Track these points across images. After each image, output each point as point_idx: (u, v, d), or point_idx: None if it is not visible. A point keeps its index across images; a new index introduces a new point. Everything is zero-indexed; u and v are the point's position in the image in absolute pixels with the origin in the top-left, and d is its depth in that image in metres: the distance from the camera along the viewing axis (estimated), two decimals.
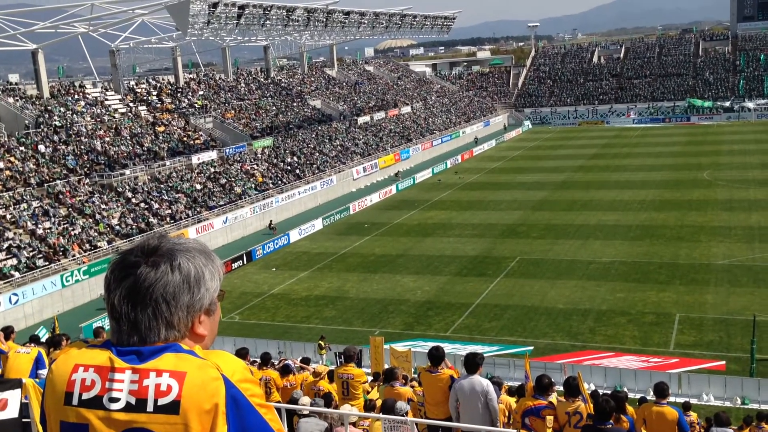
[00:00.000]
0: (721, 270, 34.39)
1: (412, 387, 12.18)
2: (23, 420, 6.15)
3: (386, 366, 19.40)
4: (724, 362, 24.56)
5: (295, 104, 75.57)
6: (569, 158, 72.28)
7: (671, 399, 17.96)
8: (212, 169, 53.72)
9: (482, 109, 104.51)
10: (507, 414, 10.83)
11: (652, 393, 15.73)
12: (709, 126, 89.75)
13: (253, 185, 53.93)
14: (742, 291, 31.28)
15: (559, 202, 52.52)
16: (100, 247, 39.04)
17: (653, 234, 41.72)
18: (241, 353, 14.43)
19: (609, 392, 22.73)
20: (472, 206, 53.47)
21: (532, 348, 26.84)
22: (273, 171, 57.89)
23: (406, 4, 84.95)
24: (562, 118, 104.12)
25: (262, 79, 79.02)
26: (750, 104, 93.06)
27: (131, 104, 59.20)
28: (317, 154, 64.62)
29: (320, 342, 25.77)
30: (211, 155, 55.11)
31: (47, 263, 36.04)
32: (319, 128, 70.96)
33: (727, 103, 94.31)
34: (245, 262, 42.00)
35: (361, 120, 78.02)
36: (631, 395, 20.57)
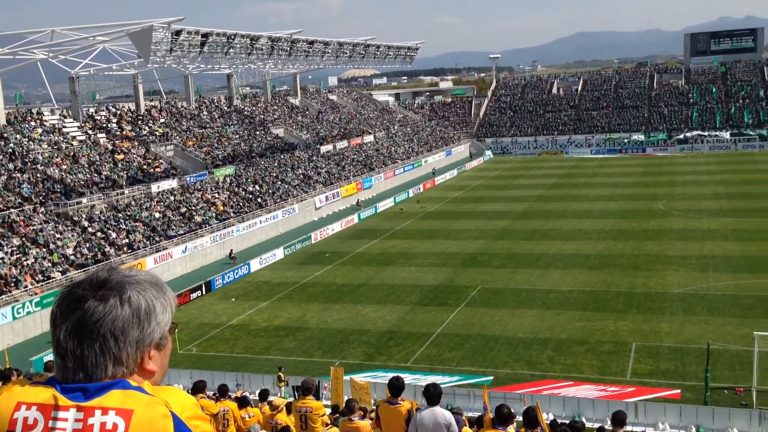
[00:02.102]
0: (676, 299, 35.02)
1: (371, 420, 12.11)
2: None
3: (346, 398, 19.27)
4: (679, 391, 24.93)
5: (258, 133, 75.46)
6: (530, 188, 73.27)
7: (628, 428, 18.15)
8: (172, 198, 53.17)
9: (444, 139, 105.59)
10: None
11: (609, 422, 15.89)
12: (664, 157, 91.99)
13: (214, 214, 53.49)
14: (697, 320, 31.86)
15: (520, 231, 53.10)
16: (53, 277, 38.20)
17: (611, 263, 42.37)
18: (199, 386, 14.19)
19: (567, 422, 22.91)
20: (433, 235, 53.74)
21: (492, 378, 26.89)
22: (234, 200, 57.53)
23: (369, 34, 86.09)
24: (522, 148, 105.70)
25: (225, 107, 78.83)
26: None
27: (90, 132, 58.47)
28: (279, 182, 64.46)
29: (279, 374, 25.49)
30: (172, 183, 54.59)
31: None
32: (282, 157, 70.87)
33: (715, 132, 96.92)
34: (204, 293, 41.46)
35: (324, 149, 78.18)
36: (589, 425, 20.76)
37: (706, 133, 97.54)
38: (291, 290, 41.48)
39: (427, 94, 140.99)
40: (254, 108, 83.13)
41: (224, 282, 43.53)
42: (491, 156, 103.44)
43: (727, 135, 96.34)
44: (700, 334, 29.77)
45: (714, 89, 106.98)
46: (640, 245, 46.10)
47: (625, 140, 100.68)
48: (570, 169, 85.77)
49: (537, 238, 50.47)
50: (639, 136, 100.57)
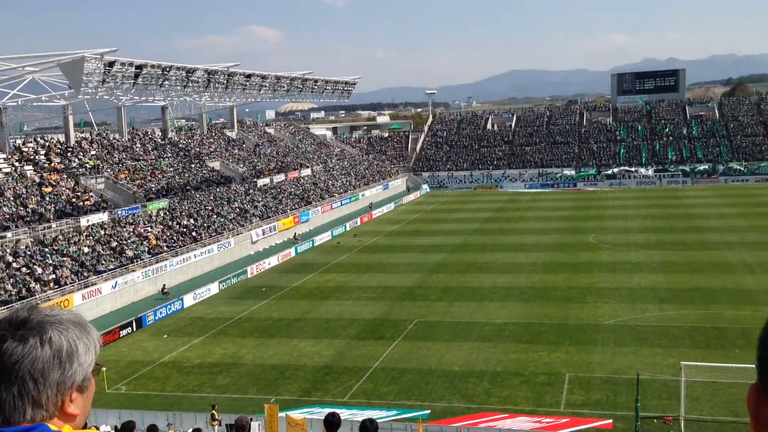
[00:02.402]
0: (607, 330, 35.84)
1: None
2: None
3: None
4: (611, 420, 25.40)
5: (193, 165, 74.47)
6: (466, 221, 74.27)
7: None
8: (102, 232, 51.75)
9: (381, 173, 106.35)
10: None
11: None
12: (594, 192, 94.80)
13: (146, 248, 52.25)
14: (627, 350, 32.65)
15: (456, 264, 53.63)
16: None
17: (544, 295, 43.13)
18: (127, 426, 13.79)
19: None
20: (370, 269, 53.76)
21: (428, 412, 26.87)
22: (168, 233, 56.39)
23: (307, 68, 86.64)
24: (458, 182, 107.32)
25: (159, 140, 77.61)
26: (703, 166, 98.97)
27: (17, 164, 56.65)
28: (215, 216, 63.58)
29: (213, 412, 24.86)
30: (102, 217, 53.17)
31: None
32: (218, 190, 70.04)
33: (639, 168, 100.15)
34: (135, 329, 40.27)
35: (261, 182, 77.66)
36: None
37: (633, 169, 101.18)
38: (225, 326, 40.72)
39: (365, 128, 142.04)
40: (189, 141, 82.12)
41: (156, 318, 42.41)
42: (428, 190, 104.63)
43: (650, 172, 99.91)
44: (630, 364, 30.49)
45: (640, 127, 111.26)
46: (572, 278, 47.13)
47: (557, 175, 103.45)
48: (504, 203, 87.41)
49: (473, 271, 51.05)
50: (570, 171, 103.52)
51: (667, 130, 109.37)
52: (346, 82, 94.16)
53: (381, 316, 40.79)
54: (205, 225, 60.86)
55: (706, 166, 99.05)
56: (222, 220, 63.41)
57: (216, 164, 78.96)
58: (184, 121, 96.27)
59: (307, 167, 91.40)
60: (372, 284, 48.70)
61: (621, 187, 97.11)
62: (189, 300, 45.96)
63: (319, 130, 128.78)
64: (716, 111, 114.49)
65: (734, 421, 24.66)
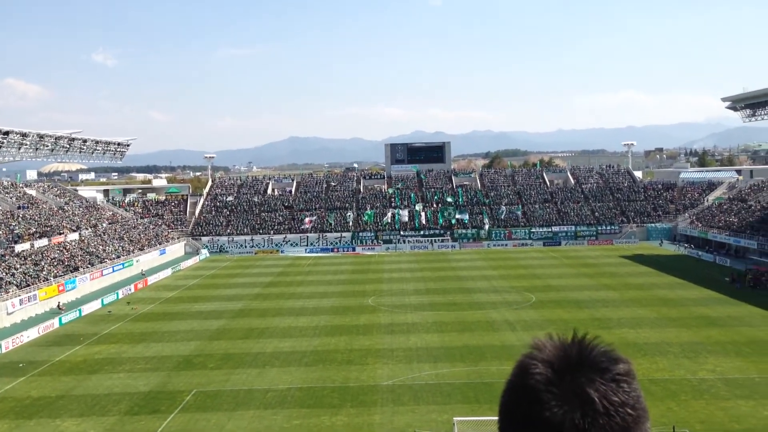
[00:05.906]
0: (386, 390, 36.83)
1: None
2: None
3: None
4: None
5: None
6: (247, 286, 73.22)
7: None
8: None
9: (158, 237, 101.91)
10: None
11: None
12: (372, 256, 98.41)
13: None
14: (405, 409, 33.72)
15: (237, 330, 52.44)
16: None
17: (326, 359, 43.47)
18: None
19: None
20: (145, 338, 50.79)
21: None
22: None
23: (75, 127, 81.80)
24: (239, 247, 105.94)
25: None
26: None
27: None
28: None
29: None
30: None
31: None
32: None
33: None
34: None
35: (20, 247, 70.79)
36: None
37: (407, 234, 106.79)
38: None
39: (140, 191, 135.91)
40: None
41: None
42: (207, 255, 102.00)
43: (414, 239, 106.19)
44: (409, 422, 31.51)
45: (412, 194, 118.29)
46: (353, 340, 48.08)
47: (336, 239, 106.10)
48: (285, 268, 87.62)
49: (254, 336, 50.21)
50: (349, 235, 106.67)
51: (436, 197, 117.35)
52: (119, 143, 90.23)
53: (156, 388, 38.48)
54: None
55: (472, 231, 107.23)
56: None
57: None
58: None
59: (75, 231, 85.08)
60: (147, 354, 45.95)
61: (397, 252, 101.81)
62: None
63: (89, 192, 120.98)
64: (478, 181, 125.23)
65: None
